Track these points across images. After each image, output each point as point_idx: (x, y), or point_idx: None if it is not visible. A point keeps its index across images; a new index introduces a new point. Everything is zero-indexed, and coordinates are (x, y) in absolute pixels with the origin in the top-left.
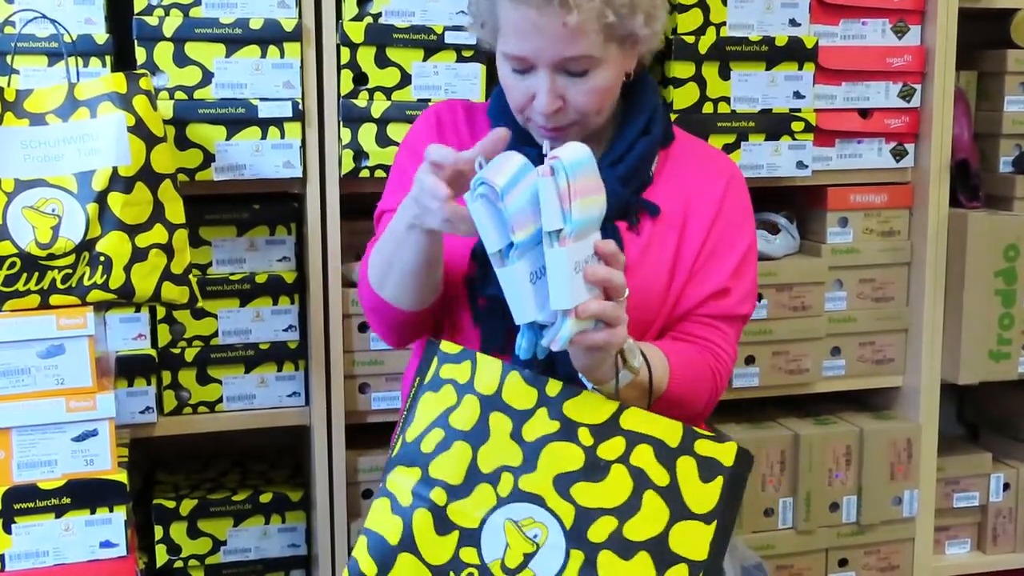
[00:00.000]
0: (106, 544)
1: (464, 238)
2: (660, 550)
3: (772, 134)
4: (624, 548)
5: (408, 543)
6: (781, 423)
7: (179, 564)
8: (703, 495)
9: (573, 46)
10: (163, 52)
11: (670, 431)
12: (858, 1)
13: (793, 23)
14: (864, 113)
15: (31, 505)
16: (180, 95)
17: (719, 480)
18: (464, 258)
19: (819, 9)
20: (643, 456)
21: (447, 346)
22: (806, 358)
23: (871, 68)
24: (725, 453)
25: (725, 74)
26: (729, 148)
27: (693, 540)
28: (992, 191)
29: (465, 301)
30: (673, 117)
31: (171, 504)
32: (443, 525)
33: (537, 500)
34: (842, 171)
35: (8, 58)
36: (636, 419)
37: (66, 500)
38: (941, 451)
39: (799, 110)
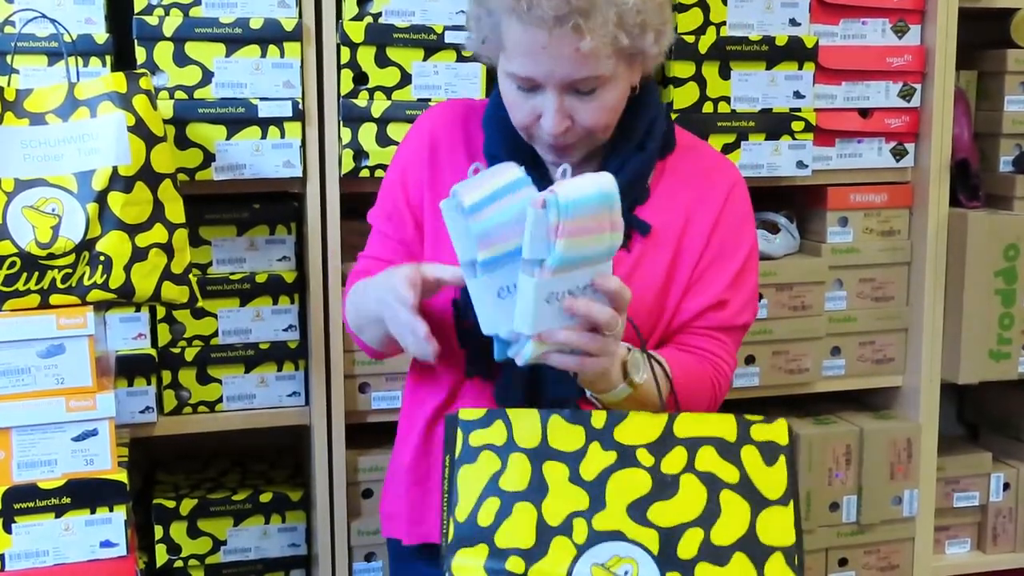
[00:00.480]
0: (106, 544)
1: (450, 257)
2: (752, 546)
3: (772, 134)
4: (718, 556)
5: None
6: None
7: (179, 564)
8: (773, 480)
9: (584, 68)
10: (163, 52)
11: (725, 426)
12: (858, 1)
13: (793, 23)
14: (864, 113)
15: (31, 505)
16: (180, 95)
17: (782, 460)
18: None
19: (819, 9)
20: (708, 459)
21: (468, 413)
22: (806, 358)
23: (871, 68)
24: (779, 432)
25: (725, 74)
26: (729, 148)
27: (778, 526)
28: (992, 191)
29: (451, 322)
30: (673, 117)
31: (171, 504)
32: None
33: (617, 536)
34: (842, 171)
35: (8, 58)
36: (689, 424)
37: (66, 500)
38: (941, 451)
39: (799, 110)
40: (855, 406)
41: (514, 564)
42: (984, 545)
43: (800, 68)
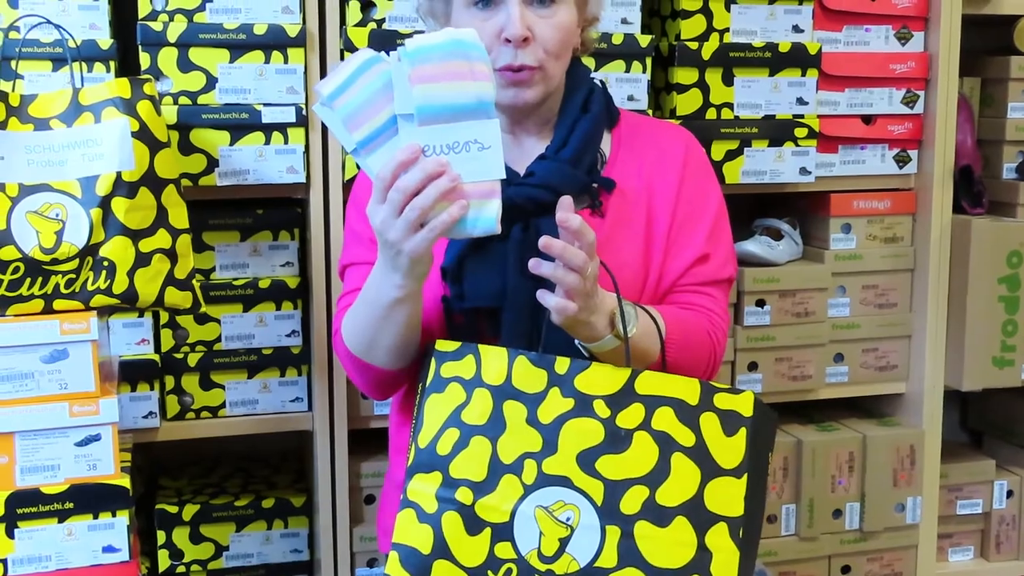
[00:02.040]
0: (108, 549)
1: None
2: (697, 512)
3: (775, 140)
4: (660, 516)
5: (441, 549)
6: (784, 429)
7: (181, 569)
8: (730, 450)
9: None
10: (167, 57)
11: (688, 389)
12: (861, 7)
13: (796, 29)
14: (867, 119)
15: (34, 510)
16: (184, 100)
17: (743, 432)
18: (436, 277)
19: (822, 15)
20: (665, 419)
21: (443, 345)
22: (809, 364)
23: (874, 74)
24: (744, 404)
25: (728, 80)
26: (732, 154)
27: (727, 497)
28: (995, 197)
29: (442, 318)
30: (676, 123)
31: (174, 509)
32: (473, 524)
33: (564, 482)
34: (845, 177)
35: (13, 63)
36: (652, 382)
37: (69, 505)
38: (944, 458)
39: (802, 116)
40: (858, 413)
41: (463, 495)
42: (987, 553)
43: (803, 75)
